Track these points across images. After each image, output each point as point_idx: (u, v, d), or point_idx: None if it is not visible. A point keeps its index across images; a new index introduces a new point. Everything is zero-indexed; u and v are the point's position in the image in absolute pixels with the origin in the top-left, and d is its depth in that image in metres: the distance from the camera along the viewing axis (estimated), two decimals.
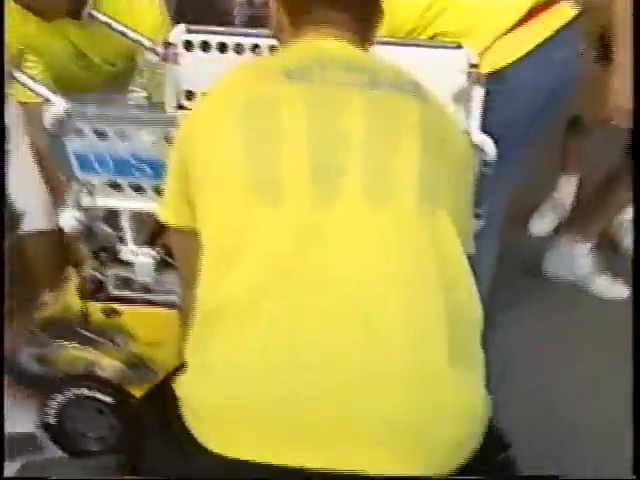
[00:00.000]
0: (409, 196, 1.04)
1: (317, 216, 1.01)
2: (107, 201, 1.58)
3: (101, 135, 1.48)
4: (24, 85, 1.64)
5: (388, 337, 0.96)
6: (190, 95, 1.98)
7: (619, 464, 1.47)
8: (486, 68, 1.72)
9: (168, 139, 1.46)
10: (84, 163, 1.53)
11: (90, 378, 1.68)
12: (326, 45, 1.20)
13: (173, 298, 1.65)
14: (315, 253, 0.99)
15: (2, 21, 1.75)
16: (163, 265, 1.66)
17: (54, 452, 1.79)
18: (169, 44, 1.89)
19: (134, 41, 1.98)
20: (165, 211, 1.23)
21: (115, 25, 1.98)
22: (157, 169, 1.51)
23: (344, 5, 1.23)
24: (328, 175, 1.03)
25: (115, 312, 1.65)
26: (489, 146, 1.37)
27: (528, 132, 1.89)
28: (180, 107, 1.99)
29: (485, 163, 1.36)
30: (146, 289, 1.67)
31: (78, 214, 1.54)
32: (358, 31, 1.25)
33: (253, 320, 0.97)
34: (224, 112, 1.12)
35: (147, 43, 1.95)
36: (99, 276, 1.66)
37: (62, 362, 1.67)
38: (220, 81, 1.21)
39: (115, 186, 1.57)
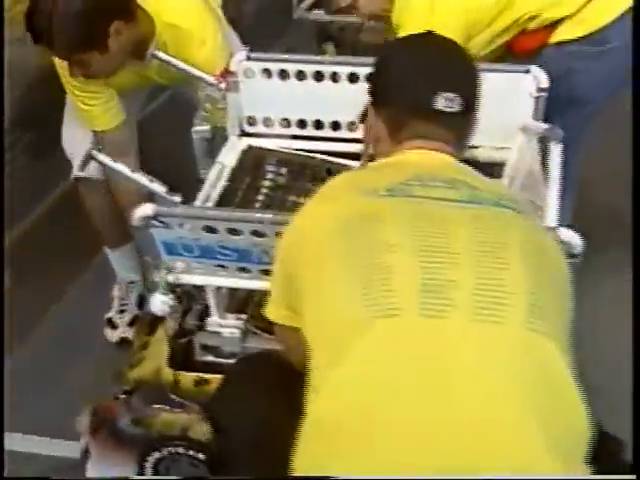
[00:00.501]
0: (519, 313, 1.07)
1: (429, 328, 1.05)
2: (192, 278, 1.64)
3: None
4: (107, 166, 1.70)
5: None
6: (252, 120, 2.03)
7: None
8: (580, 32, 1.89)
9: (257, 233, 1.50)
10: (171, 250, 1.58)
11: (184, 439, 1.78)
12: (425, 160, 1.25)
13: None
14: (428, 364, 1.03)
15: (2, 21, 1.79)
16: (249, 334, 1.72)
17: None
18: (229, 72, 1.93)
19: (197, 78, 2.01)
20: (269, 307, 1.33)
21: (176, 63, 2.01)
22: (242, 254, 1.56)
23: (444, 121, 1.28)
24: (439, 289, 1.06)
25: (206, 382, 1.73)
26: (576, 240, 1.37)
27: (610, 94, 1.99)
28: (243, 133, 2.04)
29: (572, 255, 1.36)
30: (233, 355, 1.74)
31: (167, 298, 1.61)
32: (456, 144, 1.30)
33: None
34: (327, 229, 1.18)
35: (209, 79, 1.98)
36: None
37: (158, 425, 1.77)
38: (318, 196, 1.27)
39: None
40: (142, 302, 2.53)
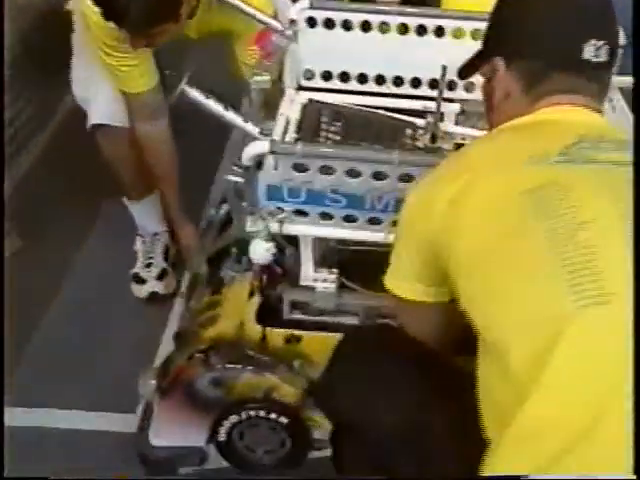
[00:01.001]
0: None
1: None
2: (294, 228, 1.54)
3: (302, 169, 1.42)
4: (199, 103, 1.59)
5: None
6: (309, 74, 1.94)
7: None
8: None
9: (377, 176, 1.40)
10: (274, 194, 1.48)
11: (267, 401, 1.68)
12: (580, 118, 1.13)
13: (351, 321, 1.63)
14: None
15: (2, 21, 1.70)
16: (342, 289, 1.63)
17: (218, 463, 1.80)
18: (291, 21, 1.84)
19: (263, 23, 1.92)
20: (396, 282, 1.23)
21: (244, 7, 1.93)
22: (352, 200, 1.47)
23: (589, 73, 1.16)
24: None
25: (296, 339, 1.63)
26: None
27: None
28: (300, 87, 1.94)
29: None
30: (322, 313, 1.64)
31: (269, 245, 1.51)
32: (600, 99, 1.18)
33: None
34: (502, 202, 1.05)
35: (276, 25, 1.89)
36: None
37: (240, 387, 1.66)
38: (463, 167, 1.15)
39: (302, 214, 1.52)
40: (167, 254, 2.44)
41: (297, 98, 1.91)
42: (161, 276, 2.37)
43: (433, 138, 1.77)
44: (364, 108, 1.90)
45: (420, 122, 1.83)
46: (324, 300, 1.62)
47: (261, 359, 1.67)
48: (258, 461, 1.80)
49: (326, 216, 1.52)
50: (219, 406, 1.70)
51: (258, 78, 1.82)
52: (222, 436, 1.74)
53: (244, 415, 1.70)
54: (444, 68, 1.74)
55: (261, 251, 1.52)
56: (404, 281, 1.21)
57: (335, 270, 1.63)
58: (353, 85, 1.95)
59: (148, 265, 2.39)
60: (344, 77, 1.95)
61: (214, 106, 1.62)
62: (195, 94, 1.61)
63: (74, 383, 2.08)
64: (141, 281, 2.37)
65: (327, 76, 1.95)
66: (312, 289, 1.62)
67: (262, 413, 1.69)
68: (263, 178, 1.46)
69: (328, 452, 1.77)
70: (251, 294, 1.70)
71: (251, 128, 1.59)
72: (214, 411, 1.71)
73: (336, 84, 1.95)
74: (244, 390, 1.67)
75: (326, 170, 1.43)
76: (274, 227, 1.52)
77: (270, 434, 1.74)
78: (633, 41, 1.71)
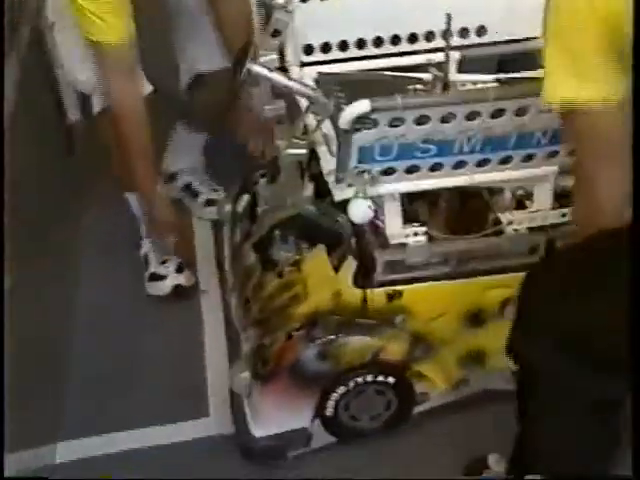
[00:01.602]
0: None
1: None
2: (383, 187, 1.57)
3: (397, 123, 1.46)
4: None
5: None
6: (309, 49, 1.96)
7: None
8: None
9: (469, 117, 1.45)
10: (365, 155, 1.51)
11: (375, 364, 1.69)
12: None
13: (444, 270, 1.68)
14: None
15: (2, 22, 1.67)
16: (434, 241, 1.67)
17: (323, 440, 1.80)
18: None
19: None
20: (580, 86, 1.07)
21: None
22: (443, 147, 1.51)
23: None
24: None
25: (399, 294, 1.66)
26: None
27: None
28: (303, 64, 1.96)
29: None
30: (412, 268, 1.68)
31: (368, 202, 1.53)
32: None
33: None
34: None
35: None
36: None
37: (347, 355, 1.67)
38: None
39: (388, 173, 1.55)
40: None
41: (304, 75, 1.93)
42: (180, 269, 2.33)
43: (445, 88, 1.83)
44: (369, 72, 1.94)
45: (426, 76, 1.88)
46: (417, 254, 1.66)
47: (364, 323, 1.68)
48: (364, 429, 1.81)
49: (412, 170, 1.56)
50: (326, 379, 1.70)
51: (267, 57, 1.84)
52: (329, 411, 1.74)
53: (352, 384, 1.71)
54: (449, 16, 1.79)
55: (362, 209, 1.53)
56: (585, 79, 1.05)
57: (417, 224, 1.67)
58: (353, 52, 1.98)
59: (163, 262, 2.34)
60: (343, 46, 1.97)
61: (280, 78, 1.63)
62: (260, 69, 1.61)
63: (124, 401, 2.01)
64: (160, 278, 2.32)
65: (326, 48, 1.96)
66: (404, 246, 1.65)
67: (369, 377, 1.71)
68: (359, 139, 1.48)
69: (429, 405, 1.82)
70: (337, 266, 1.71)
71: (315, 94, 1.61)
72: (320, 386, 1.71)
73: (336, 54, 1.98)
74: (352, 357, 1.68)
75: (420, 121, 1.46)
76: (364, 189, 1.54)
77: (376, 398, 1.76)
78: (633, 41, 1.80)
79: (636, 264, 1.06)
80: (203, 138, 2.60)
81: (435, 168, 1.57)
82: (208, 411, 1.99)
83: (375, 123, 1.45)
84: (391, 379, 1.72)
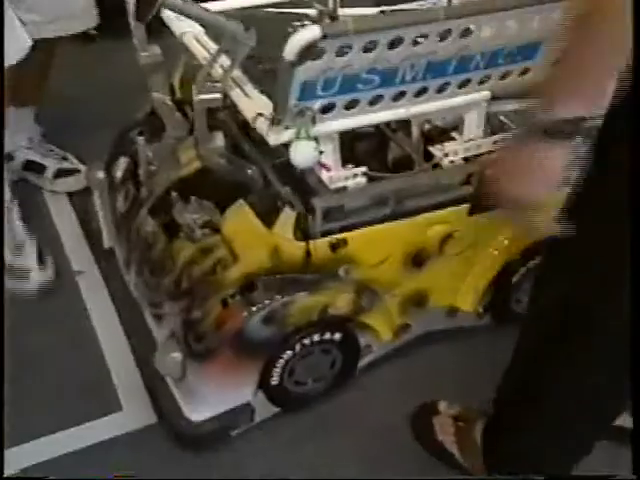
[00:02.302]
0: None
1: None
2: (323, 127, 1.42)
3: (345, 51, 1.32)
4: None
5: None
6: None
7: None
8: None
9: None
10: (307, 90, 1.35)
11: (323, 322, 1.56)
12: None
13: (384, 212, 1.57)
14: None
15: (2, 22, 1.44)
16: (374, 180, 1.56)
17: (266, 413, 1.66)
18: None
19: None
20: None
21: None
22: (386, 76, 1.40)
23: None
24: None
25: (344, 243, 1.53)
26: None
27: None
28: None
29: None
30: (350, 214, 1.55)
31: (313, 143, 1.38)
32: None
33: None
34: None
35: None
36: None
37: (293, 316, 1.52)
38: None
39: (328, 109, 1.41)
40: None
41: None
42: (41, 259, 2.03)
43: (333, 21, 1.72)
44: (253, 10, 1.79)
45: (311, 11, 1.76)
46: (357, 197, 1.53)
47: (308, 279, 1.54)
48: (308, 393, 1.68)
49: (351, 106, 1.43)
50: (271, 346, 1.54)
51: None
52: (274, 379, 1.59)
53: (298, 347, 1.57)
54: None
55: (308, 151, 1.38)
56: None
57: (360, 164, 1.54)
58: None
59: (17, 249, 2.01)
60: None
61: (195, 10, 1.43)
62: (174, 1, 1.39)
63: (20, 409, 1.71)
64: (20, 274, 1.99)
65: None
66: (343, 190, 1.52)
67: (316, 337, 1.58)
68: (302, 74, 1.31)
69: (372, 357, 1.73)
70: (267, 221, 1.54)
71: (235, 26, 1.42)
72: (265, 355, 1.55)
73: None
74: (299, 317, 1.53)
75: (367, 47, 1.33)
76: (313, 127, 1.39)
77: (322, 358, 1.63)
78: (633, 41, 1.75)
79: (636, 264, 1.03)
80: (32, 108, 2.29)
81: (375, 101, 1.44)
82: (120, 405, 1.75)
83: (322, 52, 1.30)
84: (337, 335, 1.60)
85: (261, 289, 1.52)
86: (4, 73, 1.51)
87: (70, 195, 2.33)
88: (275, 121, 1.38)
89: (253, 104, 1.49)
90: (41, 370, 1.79)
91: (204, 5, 1.73)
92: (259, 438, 1.65)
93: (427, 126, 1.68)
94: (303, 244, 1.50)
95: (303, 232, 1.51)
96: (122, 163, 1.95)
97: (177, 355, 1.55)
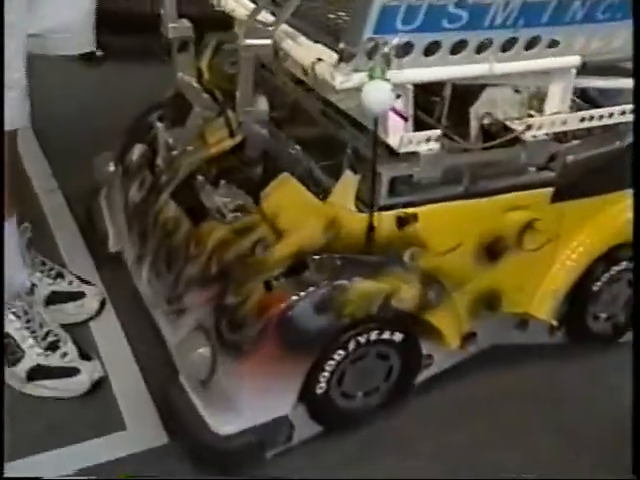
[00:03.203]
0: None
1: None
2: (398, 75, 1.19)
3: None
4: None
5: None
6: None
7: None
8: None
9: None
10: (386, 20, 1.13)
11: (384, 316, 1.29)
12: None
13: (457, 189, 1.33)
14: None
15: (2, 22, 1.25)
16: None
17: (306, 433, 1.36)
18: None
19: None
20: None
21: None
22: (475, 13, 1.19)
23: None
24: None
25: (414, 219, 1.28)
26: None
27: None
28: None
29: None
30: (425, 187, 1.31)
31: (389, 84, 1.14)
32: None
33: None
34: None
35: None
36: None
37: (351, 304, 1.25)
38: None
39: (405, 52, 1.19)
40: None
41: None
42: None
43: None
44: None
45: None
46: (431, 166, 1.29)
47: (370, 260, 1.28)
48: (355, 410, 1.39)
49: (430, 51, 1.21)
50: (323, 340, 1.27)
51: None
52: (321, 387, 1.30)
53: (352, 345, 1.29)
54: None
55: (385, 93, 1.14)
56: None
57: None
58: None
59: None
60: None
61: None
62: None
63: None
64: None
65: None
66: (414, 157, 1.28)
67: (374, 335, 1.30)
68: None
69: (433, 370, 1.45)
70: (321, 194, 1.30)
71: None
72: (313, 352, 1.27)
73: None
74: (357, 306, 1.26)
75: None
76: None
77: (376, 365, 1.36)
78: (633, 41, 1.63)
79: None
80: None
81: (456, 49, 1.23)
82: (124, 423, 1.45)
83: None
84: (398, 336, 1.33)
85: (313, 269, 1.25)
86: (4, 72, 1.28)
87: (68, 200, 2.07)
88: (345, 57, 1.15)
89: (310, 52, 1.27)
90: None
91: None
92: (297, 462, 1.35)
93: (487, 120, 1.46)
94: (365, 216, 1.25)
95: (364, 204, 1.27)
96: (137, 150, 1.71)
97: (205, 350, 1.27)
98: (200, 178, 1.53)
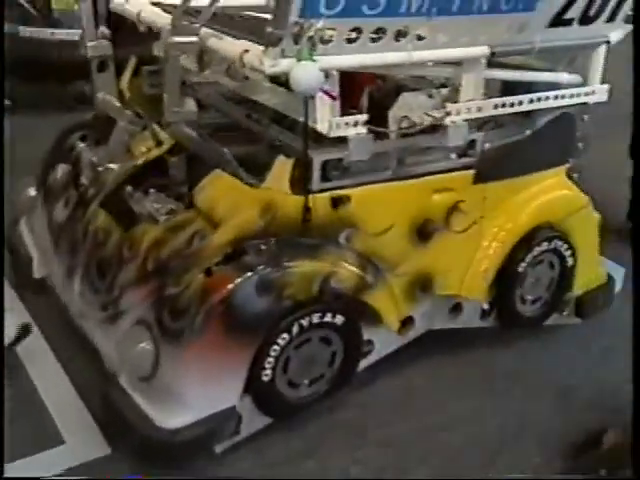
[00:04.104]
0: None
1: None
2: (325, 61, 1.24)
3: None
4: None
5: None
6: None
7: None
8: None
9: None
10: (311, 3, 1.19)
11: (323, 297, 1.31)
12: None
13: (386, 173, 1.39)
14: None
15: (2, 23, 1.29)
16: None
17: (252, 427, 1.34)
18: None
19: None
20: None
21: None
22: (392, 3, 1.26)
23: None
24: None
25: (348, 199, 1.31)
26: None
27: None
28: None
29: None
30: (355, 171, 1.35)
31: (316, 64, 1.19)
32: None
33: None
34: None
35: None
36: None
37: (292, 285, 1.27)
38: None
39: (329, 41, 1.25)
40: None
41: None
42: None
43: None
44: None
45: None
46: (360, 150, 1.33)
47: (307, 242, 1.30)
48: (302, 399, 1.38)
49: (352, 40, 1.27)
50: (267, 322, 1.26)
51: None
52: (266, 373, 1.30)
53: (295, 329, 1.29)
54: None
55: (312, 73, 1.18)
56: None
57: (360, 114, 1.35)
58: None
59: None
60: None
61: None
62: None
63: None
64: None
65: None
66: (342, 142, 1.32)
67: (316, 318, 1.31)
68: None
69: (374, 356, 1.47)
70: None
71: None
72: (259, 335, 1.26)
73: None
74: (298, 287, 1.27)
75: None
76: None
77: (320, 350, 1.36)
78: (633, 41, 1.69)
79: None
80: None
81: (377, 38, 1.29)
82: (61, 437, 1.39)
83: None
84: (339, 318, 1.34)
85: (252, 254, 1.26)
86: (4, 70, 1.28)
87: None
88: (273, 40, 1.20)
89: (235, 46, 1.31)
90: None
91: None
92: (246, 457, 1.33)
93: (405, 124, 1.53)
94: (300, 198, 1.28)
95: (298, 188, 1.30)
96: (60, 170, 1.70)
97: (147, 343, 1.25)
98: (129, 188, 1.53)
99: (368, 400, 1.49)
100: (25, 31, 2.76)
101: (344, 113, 1.34)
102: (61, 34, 2.77)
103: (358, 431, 1.43)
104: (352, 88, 1.38)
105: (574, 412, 1.51)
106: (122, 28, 1.71)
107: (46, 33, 2.78)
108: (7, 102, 2.88)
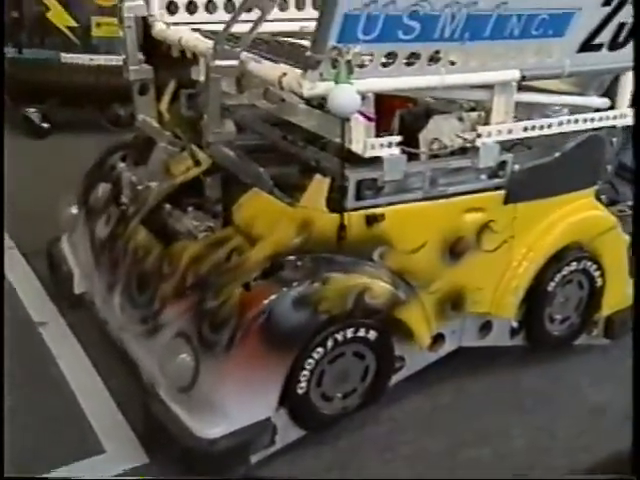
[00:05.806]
0: None
1: None
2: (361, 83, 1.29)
3: None
4: None
5: None
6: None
7: None
8: None
9: None
10: (349, 29, 1.24)
11: (357, 312, 1.35)
12: None
13: (418, 192, 1.43)
14: None
15: (2, 23, 1.36)
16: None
17: (286, 439, 1.38)
18: None
19: None
20: None
21: None
22: (426, 24, 1.30)
23: None
24: None
25: (382, 217, 1.35)
26: None
27: None
28: None
29: None
30: (389, 190, 1.40)
31: (354, 87, 1.24)
32: None
33: None
34: None
35: None
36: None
37: (327, 300, 1.31)
38: None
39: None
40: None
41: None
42: None
43: None
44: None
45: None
46: (394, 170, 1.37)
47: (342, 259, 1.34)
48: (335, 413, 1.42)
49: (387, 64, 1.32)
50: (303, 335, 1.30)
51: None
52: (301, 387, 1.33)
53: (330, 343, 1.33)
54: None
55: (350, 95, 1.22)
56: None
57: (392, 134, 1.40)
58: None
59: None
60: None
61: None
62: None
63: None
64: None
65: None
66: (377, 161, 1.37)
67: (350, 333, 1.35)
68: (345, 2, 1.21)
69: (405, 372, 1.50)
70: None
71: None
72: (295, 348, 1.30)
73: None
74: (333, 303, 1.31)
75: None
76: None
77: (353, 364, 1.40)
78: (634, 40, 1.68)
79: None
80: None
81: (412, 62, 1.34)
82: (102, 446, 1.44)
83: None
84: (372, 334, 1.38)
85: (289, 269, 1.31)
86: (4, 70, 1.35)
87: (25, 254, 2.08)
88: (312, 64, 1.25)
89: (275, 70, 1.36)
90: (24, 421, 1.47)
91: None
92: (280, 468, 1.36)
93: (435, 146, 1.57)
94: (336, 216, 1.32)
95: (334, 207, 1.34)
96: (102, 188, 1.76)
97: (187, 355, 1.30)
98: (168, 206, 1.59)
99: (398, 415, 1.52)
100: (66, 57, 2.85)
101: (377, 135, 1.39)
102: (99, 60, 2.87)
103: (388, 446, 1.46)
104: (384, 111, 1.44)
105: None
106: (155, 54, 1.79)
107: (85, 59, 2.87)
108: (45, 125, 2.99)
